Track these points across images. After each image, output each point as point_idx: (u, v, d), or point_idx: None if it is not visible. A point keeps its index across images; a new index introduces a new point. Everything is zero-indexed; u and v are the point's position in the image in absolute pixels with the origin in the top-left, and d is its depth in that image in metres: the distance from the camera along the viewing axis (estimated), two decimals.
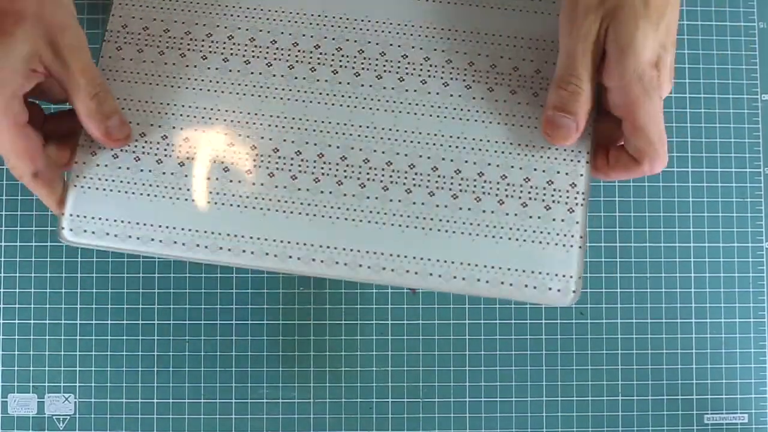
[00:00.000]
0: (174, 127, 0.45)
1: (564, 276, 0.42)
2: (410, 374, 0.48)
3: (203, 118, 0.45)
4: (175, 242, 0.43)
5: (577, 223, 0.43)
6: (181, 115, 0.45)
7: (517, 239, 0.43)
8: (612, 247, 0.49)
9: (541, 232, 0.43)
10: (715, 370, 0.49)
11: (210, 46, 0.46)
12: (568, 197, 0.43)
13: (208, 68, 0.46)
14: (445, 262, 0.43)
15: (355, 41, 0.47)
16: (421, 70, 0.47)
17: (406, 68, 0.46)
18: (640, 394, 0.49)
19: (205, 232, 0.43)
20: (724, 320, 0.49)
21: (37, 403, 0.47)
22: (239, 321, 0.48)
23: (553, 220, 0.43)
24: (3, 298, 0.48)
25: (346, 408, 0.48)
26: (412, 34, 0.47)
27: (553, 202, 0.43)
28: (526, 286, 0.43)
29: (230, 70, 0.46)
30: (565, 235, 0.43)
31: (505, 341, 0.49)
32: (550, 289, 0.42)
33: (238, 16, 0.47)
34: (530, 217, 0.43)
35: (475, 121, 0.45)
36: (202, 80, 0.46)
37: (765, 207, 0.50)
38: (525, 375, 0.49)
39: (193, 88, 0.45)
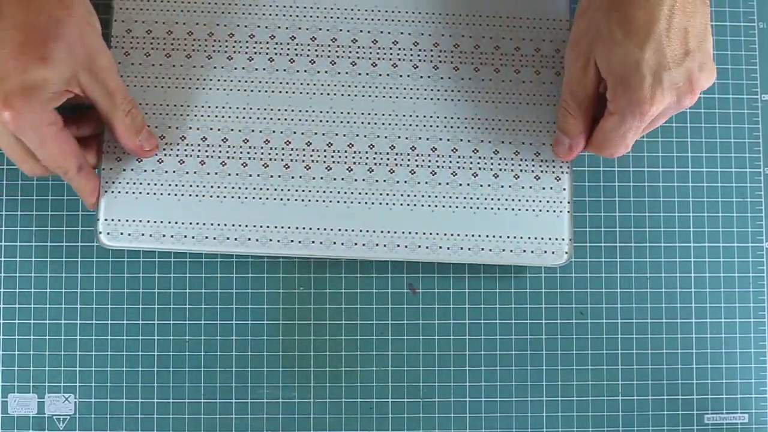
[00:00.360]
0: (191, 128, 0.46)
1: (557, 239, 0.46)
2: (410, 374, 0.48)
3: (216, 116, 0.47)
4: (206, 237, 0.46)
5: (564, 189, 0.47)
6: (195, 115, 0.47)
7: (513, 209, 0.46)
8: (612, 247, 0.50)
9: (534, 201, 0.46)
10: (715, 370, 0.49)
11: (213, 45, 0.47)
12: (554, 167, 0.47)
13: (214, 67, 0.47)
14: (452, 235, 0.46)
15: (348, 31, 0.48)
16: (395, 54, 0.48)
17: (398, 54, 0.48)
18: (640, 394, 0.49)
19: (233, 225, 0.46)
20: (724, 320, 0.49)
21: (37, 403, 0.48)
22: (239, 321, 0.48)
23: (543, 188, 0.47)
24: (3, 298, 0.48)
25: (346, 408, 0.48)
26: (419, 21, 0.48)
27: (542, 172, 0.47)
28: (524, 251, 0.46)
29: (235, 68, 0.47)
30: (554, 202, 0.46)
31: (505, 341, 0.49)
32: (545, 252, 0.46)
33: (236, 13, 0.47)
34: (522, 187, 0.47)
35: (466, 101, 0.47)
36: (210, 79, 0.47)
37: (765, 207, 0.50)
38: (525, 375, 0.49)
39: (203, 88, 0.47)
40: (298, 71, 0.47)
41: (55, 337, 0.48)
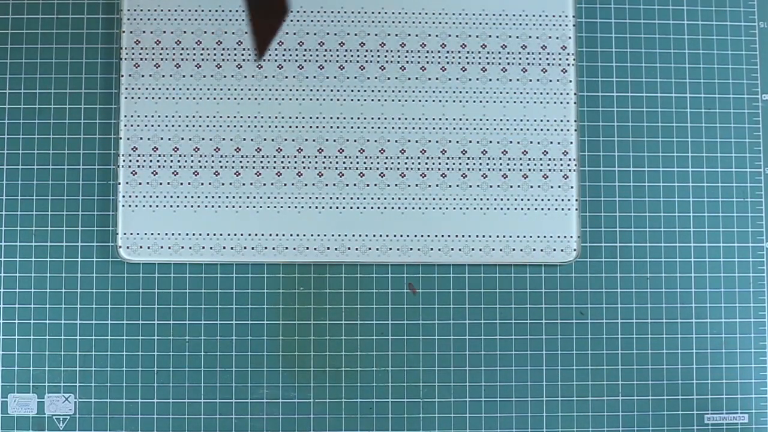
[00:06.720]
0: (203, 139, 0.47)
1: (566, 237, 0.47)
2: (410, 374, 0.48)
3: (228, 126, 0.47)
4: (224, 247, 0.47)
5: (572, 187, 0.48)
6: (207, 126, 0.47)
7: (522, 208, 0.47)
8: (612, 247, 0.49)
9: (542, 200, 0.47)
10: (715, 370, 0.49)
11: (222, 54, 0.47)
12: (562, 165, 0.48)
13: (224, 76, 0.47)
14: (463, 236, 0.47)
15: (356, 34, 0.48)
16: (403, 56, 0.48)
17: (406, 56, 0.48)
18: (640, 394, 0.49)
19: (249, 234, 0.47)
20: (724, 320, 0.49)
21: (37, 403, 0.47)
22: (239, 321, 0.48)
23: (551, 187, 0.47)
24: (3, 298, 0.48)
25: (346, 408, 0.48)
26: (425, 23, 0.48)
27: (550, 170, 0.47)
28: (533, 249, 0.47)
29: (245, 77, 0.47)
30: (563, 200, 0.47)
31: (505, 341, 0.49)
32: (554, 249, 0.47)
33: (244, 20, 0.47)
34: (531, 187, 0.47)
35: (474, 102, 0.48)
36: (221, 89, 0.47)
37: (765, 207, 0.50)
38: (525, 375, 0.49)
39: (213, 98, 0.47)
40: (307, 77, 0.47)
41: (55, 337, 0.48)
